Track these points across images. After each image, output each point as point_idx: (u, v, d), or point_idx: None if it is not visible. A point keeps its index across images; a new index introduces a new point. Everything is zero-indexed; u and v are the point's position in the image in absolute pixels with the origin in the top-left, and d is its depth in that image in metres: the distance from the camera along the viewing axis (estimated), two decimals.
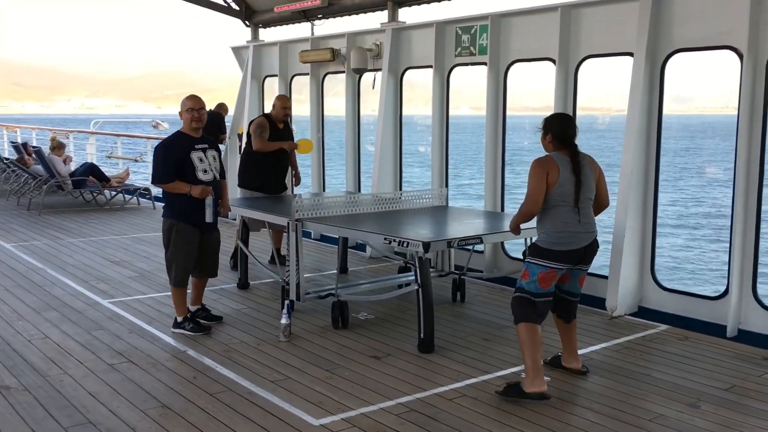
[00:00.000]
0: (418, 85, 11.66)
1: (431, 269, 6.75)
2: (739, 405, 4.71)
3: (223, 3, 11.75)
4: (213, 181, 6.00)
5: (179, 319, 6.08)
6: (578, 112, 7.39)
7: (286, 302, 6.11)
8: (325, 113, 10.65)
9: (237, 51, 12.15)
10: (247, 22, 11.79)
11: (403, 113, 9.37)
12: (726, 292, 6.25)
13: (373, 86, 9.61)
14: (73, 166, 14.29)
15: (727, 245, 6.37)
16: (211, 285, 6.80)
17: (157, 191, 12.17)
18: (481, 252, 7.98)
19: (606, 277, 6.73)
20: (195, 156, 5.90)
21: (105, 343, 5.76)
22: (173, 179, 5.85)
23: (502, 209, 8.17)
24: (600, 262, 5.69)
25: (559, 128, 4.81)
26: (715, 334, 6.08)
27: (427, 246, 5.44)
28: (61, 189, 13.16)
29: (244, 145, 8.60)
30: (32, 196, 13.14)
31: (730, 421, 4.46)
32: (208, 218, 5.95)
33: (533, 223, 4.92)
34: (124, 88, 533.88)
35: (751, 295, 6.12)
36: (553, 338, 5.38)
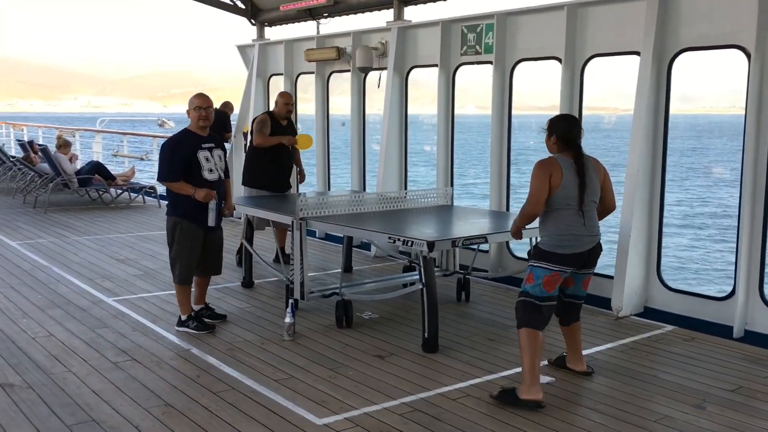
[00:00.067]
0: (424, 83, 11.65)
1: (436, 268, 6.72)
2: (746, 406, 4.68)
3: (229, 2, 11.76)
4: (218, 180, 6.00)
5: (183, 317, 6.08)
6: (584, 112, 7.36)
7: (290, 301, 6.10)
8: (330, 112, 10.64)
9: (243, 49, 12.16)
10: (252, 21, 11.80)
11: (409, 112, 9.35)
12: (732, 292, 6.22)
13: (378, 85, 9.59)
14: (79, 165, 14.30)
15: (733, 245, 6.34)
16: (215, 283, 6.80)
17: (162, 189, 12.18)
18: (486, 251, 7.97)
19: (611, 277, 6.70)
20: (202, 155, 5.89)
21: (109, 341, 5.77)
22: (179, 178, 5.84)
23: (508, 209, 8.14)
24: (605, 262, 5.66)
25: (564, 130, 4.74)
26: (721, 335, 6.05)
27: (431, 245, 5.42)
28: (66, 187, 13.20)
29: (248, 144, 8.60)
30: (38, 194, 13.18)
31: (737, 422, 4.43)
32: (211, 222, 5.95)
33: (536, 224, 4.88)
34: (130, 87, 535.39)
35: (757, 296, 6.09)
36: (558, 338, 5.36)
